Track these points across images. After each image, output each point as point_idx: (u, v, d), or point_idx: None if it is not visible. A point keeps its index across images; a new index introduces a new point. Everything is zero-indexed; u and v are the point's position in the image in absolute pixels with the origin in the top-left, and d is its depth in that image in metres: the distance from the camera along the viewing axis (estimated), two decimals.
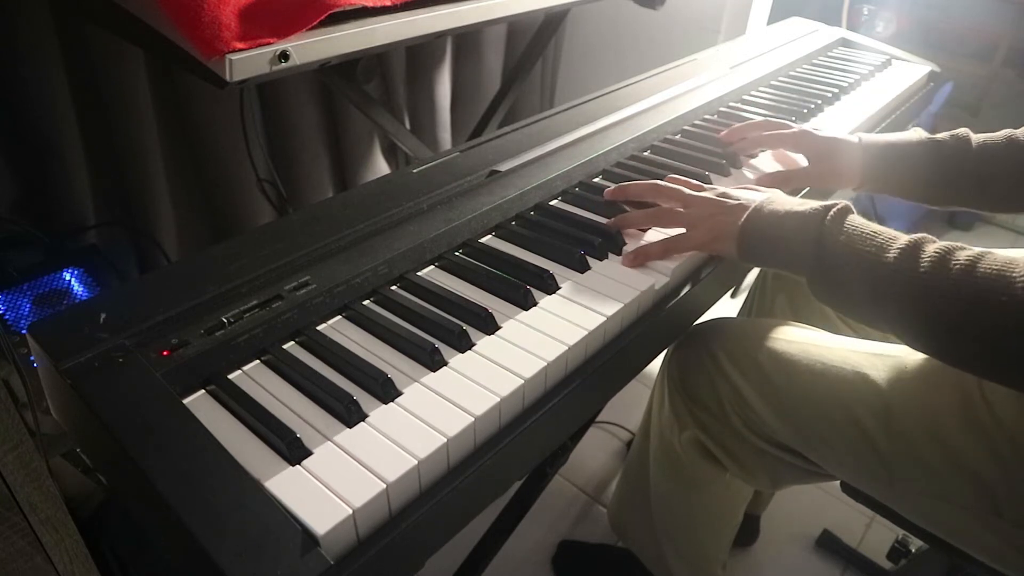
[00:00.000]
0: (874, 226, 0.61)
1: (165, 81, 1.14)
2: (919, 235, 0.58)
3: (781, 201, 0.67)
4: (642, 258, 0.68)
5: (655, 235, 0.72)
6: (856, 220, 0.62)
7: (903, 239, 0.58)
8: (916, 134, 0.83)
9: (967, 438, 0.64)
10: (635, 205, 0.76)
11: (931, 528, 0.72)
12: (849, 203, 0.63)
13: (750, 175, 0.87)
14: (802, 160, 0.88)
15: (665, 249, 0.69)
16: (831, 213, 0.62)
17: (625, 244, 0.71)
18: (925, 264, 0.55)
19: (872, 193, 0.87)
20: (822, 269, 0.62)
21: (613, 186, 0.77)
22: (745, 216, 0.67)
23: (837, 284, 0.62)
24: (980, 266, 0.53)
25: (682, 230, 0.70)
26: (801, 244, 0.63)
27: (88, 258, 1.01)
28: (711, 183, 0.83)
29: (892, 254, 0.58)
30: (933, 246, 0.57)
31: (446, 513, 0.48)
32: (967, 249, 0.55)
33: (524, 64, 1.33)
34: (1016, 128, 0.81)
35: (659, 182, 0.75)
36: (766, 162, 0.90)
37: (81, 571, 0.59)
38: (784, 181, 0.84)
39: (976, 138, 0.81)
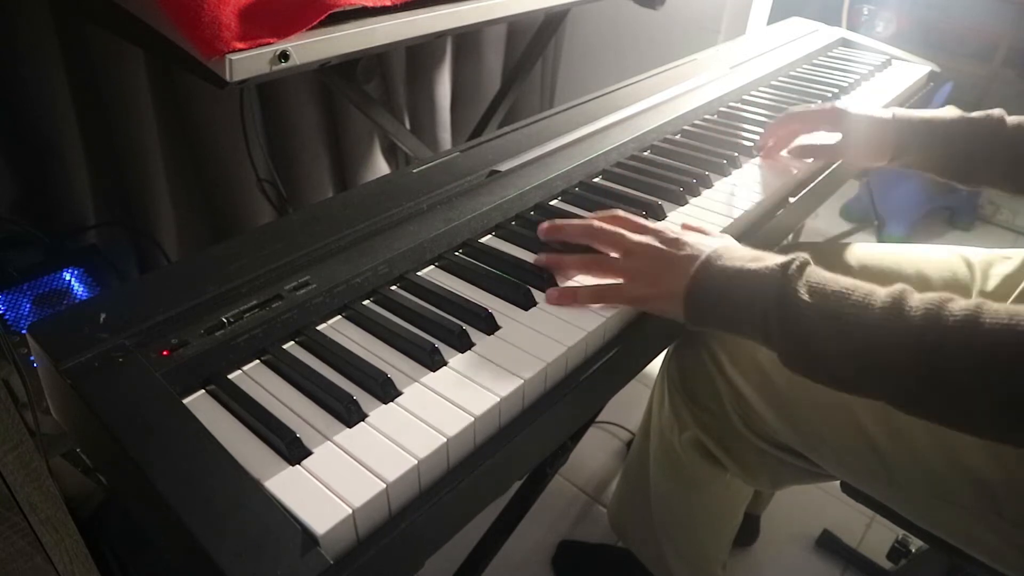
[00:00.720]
0: (842, 280, 0.53)
1: (165, 81, 1.14)
2: (897, 287, 0.51)
3: (732, 255, 0.58)
4: (568, 299, 0.61)
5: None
6: (819, 275, 0.54)
7: (881, 293, 0.51)
8: (951, 111, 0.82)
9: (967, 437, 0.64)
10: (573, 247, 0.67)
11: (931, 528, 0.72)
12: (807, 256, 0.55)
13: (757, 169, 0.87)
14: (832, 136, 0.88)
15: (596, 295, 0.61)
16: (791, 270, 0.54)
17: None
18: (917, 320, 0.48)
19: (903, 167, 0.85)
20: (788, 335, 0.54)
21: (547, 223, 0.68)
22: (692, 274, 0.58)
23: (815, 352, 0.53)
24: (984, 319, 0.46)
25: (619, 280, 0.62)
26: (759, 308, 0.54)
27: (88, 258, 1.01)
28: (710, 185, 0.83)
29: (875, 312, 0.50)
30: (917, 298, 0.50)
31: (446, 513, 0.48)
32: (956, 300, 0.49)
33: (524, 64, 1.33)
34: None
35: (596, 223, 0.64)
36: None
37: (81, 571, 0.59)
38: (815, 153, 0.86)
39: (1011, 119, 0.79)
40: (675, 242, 0.61)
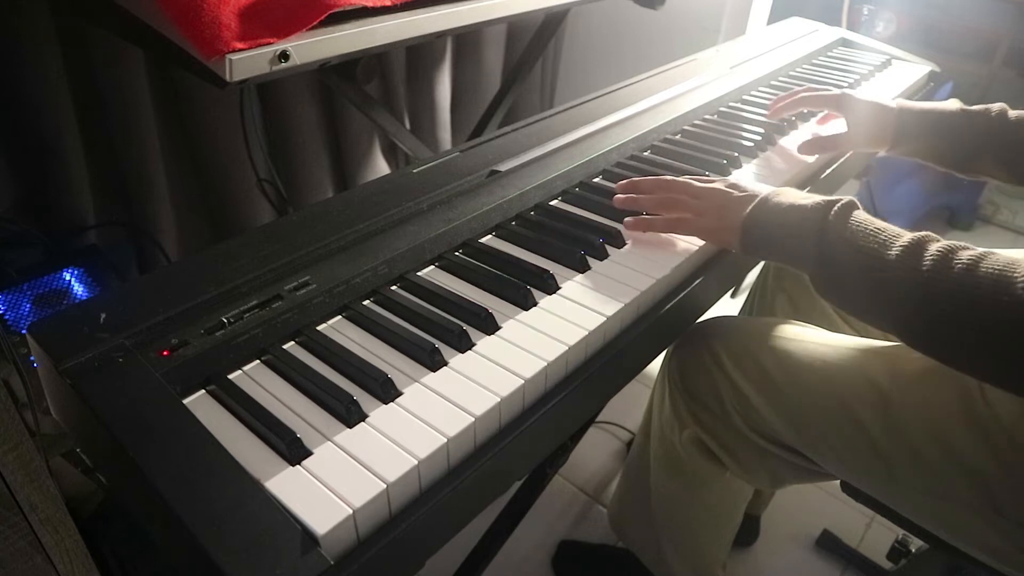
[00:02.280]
0: (878, 223, 0.60)
1: (165, 81, 1.14)
2: (922, 233, 0.58)
3: (787, 195, 0.67)
4: (645, 226, 0.71)
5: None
6: (860, 216, 0.62)
7: (906, 236, 0.58)
8: (953, 104, 0.86)
9: (967, 436, 0.64)
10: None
11: (931, 527, 0.72)
12: (854, 199, 0.63)
13: (758, 168, 0.87)
14: (841, 126, 0.92)
15: (668, 224, 0.71)
16: (835, 209, 0.62)
17: (627, 244, 0.71)
18: (928, 262, 0.55)
19: (903, 155, 0.89)
20: (824, 264, 0.62)
21: (624, 181, 0.77)
22: (749, 209, 0.67)
23: (839, 279, 0.62)
24: (982, 266, 0.53)
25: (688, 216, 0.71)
26: (803, 239, 0.63)
27: (88, 258, 1.01)
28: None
29: (895, 251, 0.57)
30: (936, 244, 0.56)
31: (446, 513, 0.48)
32: (969, 248, 0.55)
33: (524, 64, 1.33)
34: None
35: (667, 177, 0.75)
36: (805, 134, 0.97)
37: (81, 571, 0.59)
38: (822, 147, 0.90)
39: (1013, 113, 0.83)
40: (735, 185, 0.71)
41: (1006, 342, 0.52)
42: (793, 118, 1.00)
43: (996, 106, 0.83)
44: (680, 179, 0.74)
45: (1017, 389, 0.55)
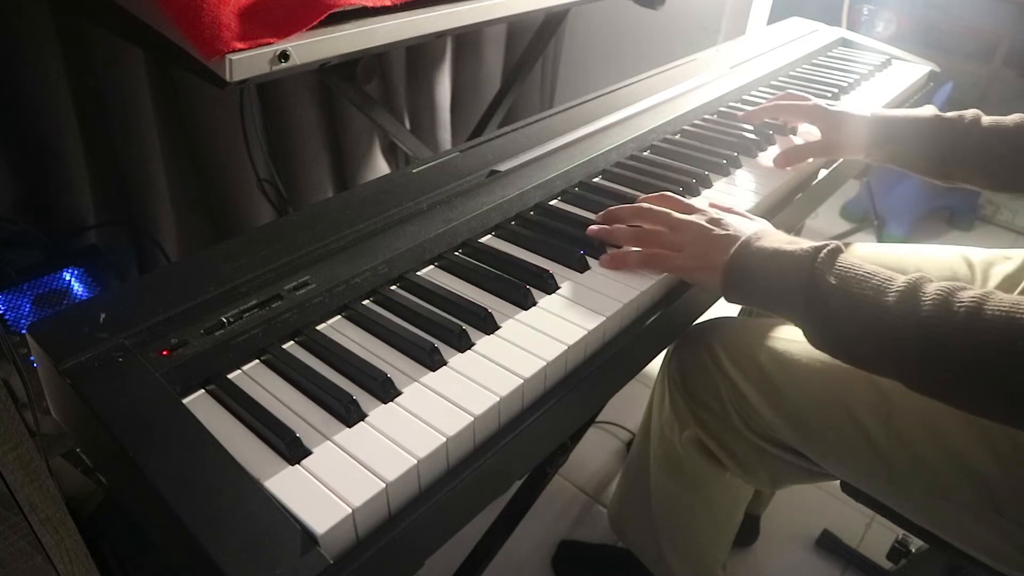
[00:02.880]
0: (866, 266, 0.57)
1: (165, 81, 1.14)
2: (916, 275, 0.55)
3: (769, 238, 0.63)
4: (619, 263, 0.67)
5: None
6: (847, 261, 0.58)
7: (900, 280, 0.55)
8: (928, 110, 0.85)
9: (966, 436, 0.64)
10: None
11: (931, 527, 0.72)
12: (839, 243, 0.60)
13: (757, 168, 0.87)
14: (815, 134, 0.92)
15: (644, 261, 0.67)
16: (821, 256, 0.58)
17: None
18: (927, 306, 0.52)
19: (880, 163, 0.89)
20: (815, 315, 0.58)
21: (601, 213, 0.73)
22: (732, 252, 0.63)
23: (832, 329, 0.58)
24: (987, 308, 0.50)
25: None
26: (790, 287, 0.59)
27: (88, 258, 1.01)
28: (710, 185, 0.83)
29: (891, 297, 0.54)
30: (933, 286, 0.53)
31: (446, 513, 0.48)
32: (967, 288, 0.52)
33: (524, 64, 1.33)
34: None
35: (645, 205, 0.71)
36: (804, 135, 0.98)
37: (81, 571, 0.59)
38: (798, 155, 0.89)
39: (987, 119, 0.82)
40: (718, 222, 0.67)
41: (1016, 382, 0.50)
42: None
43: (970, 112, 0.82)
44: (658, 208, 0.70)
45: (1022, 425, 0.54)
